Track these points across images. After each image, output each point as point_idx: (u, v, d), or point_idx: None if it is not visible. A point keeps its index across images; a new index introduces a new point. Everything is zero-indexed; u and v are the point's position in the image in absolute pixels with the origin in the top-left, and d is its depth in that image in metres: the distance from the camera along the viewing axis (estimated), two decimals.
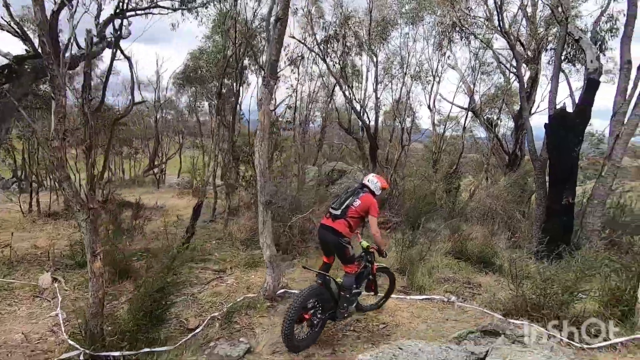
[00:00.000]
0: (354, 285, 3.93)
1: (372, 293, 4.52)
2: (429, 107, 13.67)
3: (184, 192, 13.59)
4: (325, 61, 11.66)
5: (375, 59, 13.51)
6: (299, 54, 10.86)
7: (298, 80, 11.78)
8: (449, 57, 13.34)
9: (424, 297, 5.05)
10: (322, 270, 3.95)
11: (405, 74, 12.29)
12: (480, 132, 16.77)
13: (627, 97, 6.55)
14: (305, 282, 5.30)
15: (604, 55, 8.59)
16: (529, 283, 4.93)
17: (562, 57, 8.69)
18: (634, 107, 6.44)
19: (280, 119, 8.47)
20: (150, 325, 3.30)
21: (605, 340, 4.04)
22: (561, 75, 7.93)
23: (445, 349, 1.47)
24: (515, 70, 9.15)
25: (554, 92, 7.18)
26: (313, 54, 11.49)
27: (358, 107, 13.54)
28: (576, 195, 7.30)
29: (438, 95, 14.86)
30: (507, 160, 13.33)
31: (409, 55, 12.78)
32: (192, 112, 18.93)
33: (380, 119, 16.42)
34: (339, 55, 12.25)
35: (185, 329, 3.94)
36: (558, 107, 7.00)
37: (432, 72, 13.48)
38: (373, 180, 4.21)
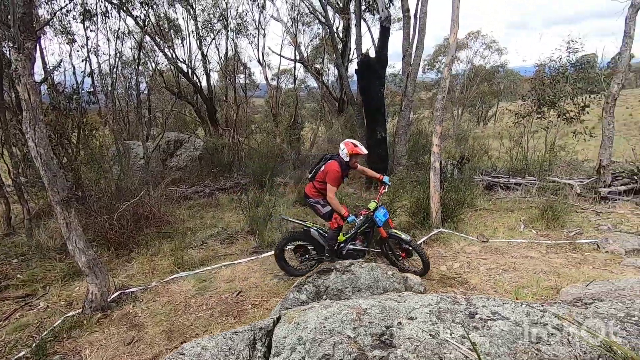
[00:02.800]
0: (334, 238, 4.25)
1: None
2: (259, 61, 13.47)
3: None
4: (127, 11, 9.74)
5: (192, 12, 12.17)
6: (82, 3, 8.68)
7: (89, 39, 9.56)
8: (267, 8, 13.12)
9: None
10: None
11: (227, 27, 11.53)
12: (314, 82, 17.85)
13: (410, 40, 7.80)
14: (148, 276, 4.75)
15: (393, 4, 9.88)
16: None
17: (363, 7, 9.61)
18: (415, 50, 7.74)
19: (72, 90, 6.80)
20: None
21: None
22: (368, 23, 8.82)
23: (230, 337, 1.41)
24: (326, 19, 9.67)
25: (358, 40, 7.94)
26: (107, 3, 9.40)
27: (185, 68, 12.24)
28: (387, 130, 8.65)
29: (267, 49, 14.74)
30: (337, 106, 14.68)
31: (227, 7, 11.97)
32: None
33: (215, 78, 15.40)
34: (145, 6, 10.42)
35: None
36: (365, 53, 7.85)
37: (255, 24, 13.12)
38: (340, 147, 4.18)
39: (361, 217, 4.28)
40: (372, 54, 7.99)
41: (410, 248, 4.23)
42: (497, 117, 23.91)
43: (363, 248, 4.37)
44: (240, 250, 5.57)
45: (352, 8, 12.67)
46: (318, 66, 15.44)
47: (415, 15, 7.78)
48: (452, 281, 4.11)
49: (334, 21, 13.17)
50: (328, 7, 11.94)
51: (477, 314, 1.31)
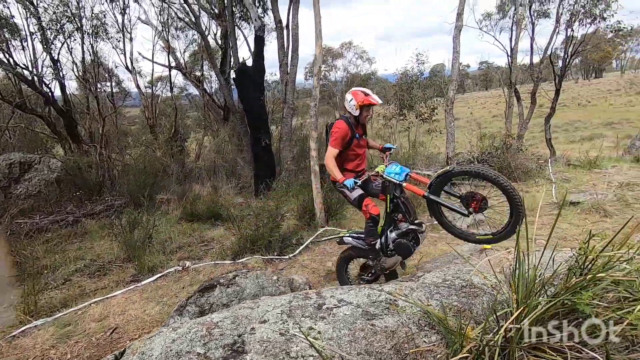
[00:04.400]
0: (372, 233, 3.22)
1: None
2: (127, 67, 12.16)
3: None
4: None
5: (33, 9, 10.26)
6: None
7: None
8: (133, 9, 11.95)
9: (157, 275, 4.81)
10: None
11: (81, 28, 10.08)
12: (196, 90, 16.95)
13: (285, 50, 8.12)
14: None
15: (267, 14, 10.12)
16: (250, 221, 5.69)
17: (237, 15, 9.59)
18: (291, 59, 8.09)
19: None
20: None
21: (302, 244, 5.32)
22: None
23: None
24: (196, 26, 9.27)
25: (234, 48, 7.89)
26: None
27: (28, 75, 10.20)
28: (273, 136, 8.83)
29: (136, 54, 13.38)
30: (222, 115, 14.27)
31: (80, 6, 10.45)
32: None
33: (73, 86, 13.31)
34: None
35: None
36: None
37: (118, 27, 11.79)
38: (346, 98, 3.30)
39: (377, 183, 3.16)
40: (251, 63, 8.04)
41: (483, 182, 2.76)
42: (372, 119, 26.70)
43: (412, 227, 3.10)
44: (115, 281, 4.94)
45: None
46: (198, 73, 14.76)
47: (287, 26, 8.13)
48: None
49: (210, 27, 12.79)
50: (203, 13, 11.53)
51: (324, 304, 1.45)
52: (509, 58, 10.81)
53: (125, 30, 11.89)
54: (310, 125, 5.53)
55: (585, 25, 9.64)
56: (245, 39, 9.51)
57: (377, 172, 3.10)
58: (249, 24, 11.60)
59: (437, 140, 10.14)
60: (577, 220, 5.38)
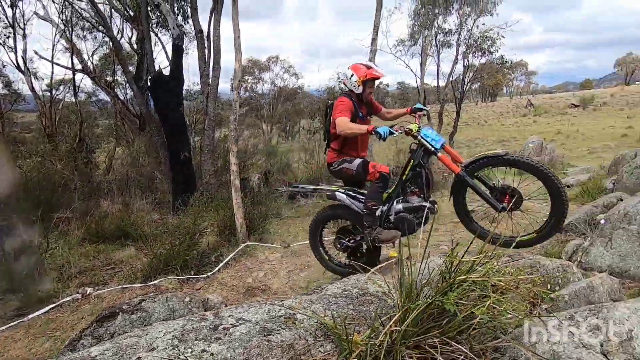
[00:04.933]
0: (376, 196, 2.82)
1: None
2: (19, 67, 10.62)
3: None
4: None
5: None
6: None
7: None
8: (28, 1, 10.58)
9: (49, 307, 4.22)
10: None
11: None
12: (107, 96, 15.45)
13: (206, 61, 7.92)
14: None
15: (188, 22, 9.76)
16: (165, 239, 5.32)
17: (154, 21, 9.09)
18: (212, 70, 7.91)
19: None
20: None
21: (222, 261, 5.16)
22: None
23: None
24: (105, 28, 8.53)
25: (149, 56, 7.46)
26: None
27: None
28: (193, 148, 8.46)
29: (32, 53, 11.78)
30: (138, 124, 13.22)
31: None
32: None
33: None
34: None
35: None
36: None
37: (8, 20, 10.30)
38: (346, 74, 3.00)
39: (399, 132, 2.67)
40: (169, 72, 7.65)
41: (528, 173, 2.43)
42: (300, 133, 27.20)
43: (422, 203, 2.77)
44: None
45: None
46: (109, 79, 13.51)
47: (208, 36, 7.95)
48: (256, 291, 4.38)
49: (124, 30, 11.86)
50: (116, 14, 10.65)
51: (221, 324, 1.45)
52: (417, 81, 12.11)
53: (17, 25, 10.43)
54: (229, 139, 5.46)
55: (478, 57, 11.28)
56: (163, 46, 9.05)
57: (411, 129, 2.73)
58: (167, 30, 11.06)
59: None
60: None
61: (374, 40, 7.95)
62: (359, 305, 1.82)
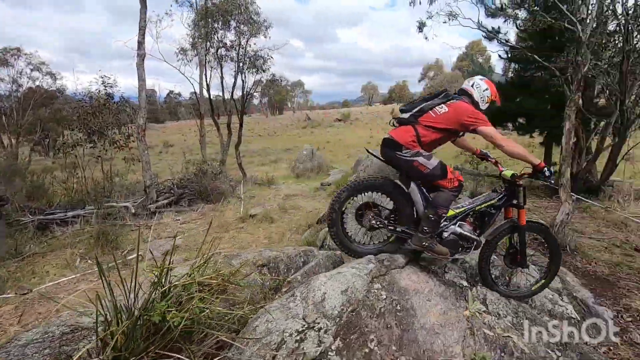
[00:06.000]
0: (447, 205, 2.60)
1: (515, 266, 2.82)
2: None
3: None
4: None
5: None
6: None
7: None
8: None
9: None
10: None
11: None
12: None
13: None
14: None
15: None
16: None
17: None
18: None
19: None
20: None
21: None
22: None
23: None
24: None
25: None
26: None
27: None
28: None
29: None
30: None
31: None
32: None
33: None
34: None
35: None
36: None
37: None
38: (479, 84, 2.73)
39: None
40: None
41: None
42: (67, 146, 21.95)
43: (473, 236, 2.69)
44: None
45: None
46: None
47: None
48: None
49: None
50: None
51: None
52: (198, 91, 11.98)
53: None
54: None
55: (253, 73, 12.27)
56: None
57: (514, 174, 2.68)
58: None
59: (137, 167, 9.61)
60: (253, 229, 6.57)
61: (140, 43, 7.32)
62: (61, 347, 1.53)
